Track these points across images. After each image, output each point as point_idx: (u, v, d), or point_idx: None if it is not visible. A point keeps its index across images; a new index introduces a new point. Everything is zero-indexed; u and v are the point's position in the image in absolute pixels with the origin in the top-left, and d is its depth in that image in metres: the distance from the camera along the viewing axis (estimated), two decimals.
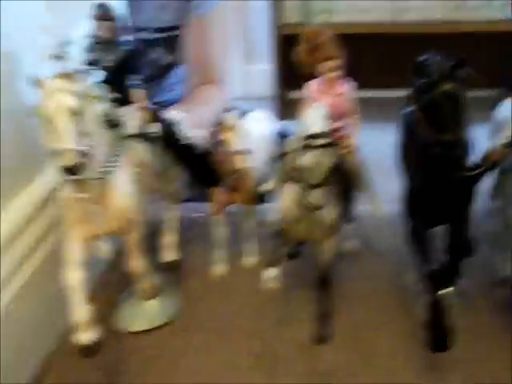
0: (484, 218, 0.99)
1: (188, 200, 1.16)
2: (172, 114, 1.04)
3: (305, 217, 0.88)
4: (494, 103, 1.02)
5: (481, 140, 0.96)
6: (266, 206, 1.21)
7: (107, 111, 0.88)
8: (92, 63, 0.91)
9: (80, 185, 0.81)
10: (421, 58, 0.81)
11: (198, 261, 1.14)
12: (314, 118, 0.82)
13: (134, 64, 0.93)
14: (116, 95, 0.90)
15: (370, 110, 2.51)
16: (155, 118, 0.95)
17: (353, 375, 0.91)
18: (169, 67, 1.56)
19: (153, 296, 1.02)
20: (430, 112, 0.79)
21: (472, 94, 0.81)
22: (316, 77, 0.90)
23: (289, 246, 1.08)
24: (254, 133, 1.08)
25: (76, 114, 0.77)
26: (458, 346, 0.89)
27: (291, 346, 0.96)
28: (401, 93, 0.88)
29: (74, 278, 0.86)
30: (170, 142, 0.99)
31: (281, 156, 0.93)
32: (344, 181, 0.92)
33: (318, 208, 0.81)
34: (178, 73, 1.58)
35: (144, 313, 1.02)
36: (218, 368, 0.93)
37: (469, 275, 1.03)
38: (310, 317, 0.99)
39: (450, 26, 2.50)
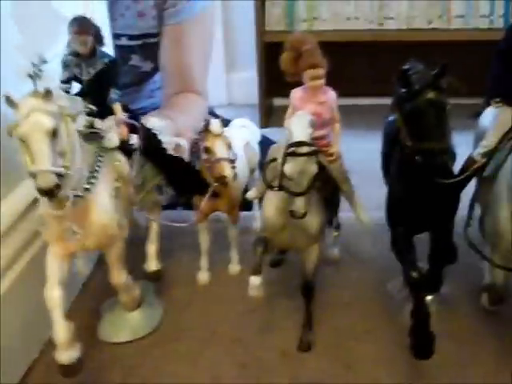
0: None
1: (171, 207, 1.15)
2: (152, 121, 1.03)
3: (288, 224, 0.88)
4: (478, 111, 1.03)
5: (464, 148, 0.97)
6: (250, 213, 1.22)
7: (86, 124, 0.87)
8: (70, 79, 0.90)
9: (59, 203, 0.80)
10: (403, 67, 0.82)
11: (182, 269, 1.14)
12: (297, 126, 0.82)
13: (113, 76, 0.92)
14: (94, 108, 0.89)
15: (353, 118, 2.54)
16: (134, 129, 0.94)
17: (336, 383, 0.91)
18: (147, 74, 1.56)
19: (135, 307, 1.02)
20: (412, 120, 0.80)
21: (455, 101, 0.82)
22: (300, 84, 0.90)
23: (272, 253, 1.08)
24: (238, 140, 1.08)
25: (52, 134, 0.75)
26: (442, 351, 0.89)
27: (275, 354, 0.96)
28: (385, 100, 0.88)
29: (53, 296, 0.85)
30: (151, 152, 0.98)
31: (264, 164, 0.93)
32: (328, 188, 0.92)
33: (301, 216, 0.81)
34: (157, 80, 1.58)
35: (127, 324, 1.01)
36: (201, 377, 0.93)
37: (452, 281, 1.04)
38: (294, 324, 0.99)
39: (433, 34, 2.53)
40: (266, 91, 2.66)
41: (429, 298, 0.98)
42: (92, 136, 0.89)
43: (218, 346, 0.98)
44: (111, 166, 0.92)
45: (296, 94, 0.91)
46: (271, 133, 1.47)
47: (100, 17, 1.16)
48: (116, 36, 1.42)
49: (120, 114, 0.92)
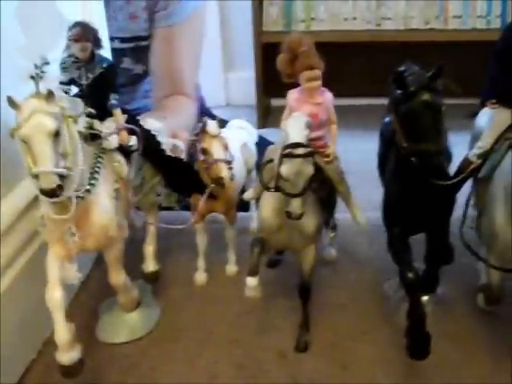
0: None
1: (169, 208, 1.16)
2: (150, 122, 1.03)
3: (285, 225, 0.88)
4: (474, 112, 1.03)
5: (460, 148, 0.98)
6: (247, 214, 1.22)
7: (86, 125, 0.87)
8: (69, 82, 0.90)
9: (63, 208, 0.80)
10: (399, 69, 0.82)
11: (179, 270, 1.14)
12: (294, 128, 0.82)
13: (111, 80, 0.92)
14: (94, 111, 0.89)
15: (351, 119, 2.54)
16: (133, 131, 0.94)
17: (333, 383, 0.91)
18: (139, 76, 1.56)
19: (134, 308, 1.02)
20: (408, 122, 0.80)
21: (451, 102, 0.82)
22: (298, 85, 0.91)
23: (269, 254, 1.08)
24: (235, 141, 1.08)
25: (54, 135, 0.75)
26: (438, 352, 0.89)
27: (272, 355, 0.96)
28: (382, 101, 0.89)
29: (54, 297, 0.86)
30: (150, 152, 0.98)
31: (261, 165, 0.93)
32: (324, 189, 0.92)
33: (298, 217, 0.81)
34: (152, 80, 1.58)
35: (125, 324, 1.02)
36: (198, 377, 0.93)
37: (448, 282, 1.05)
38: (291, 325, 1.00)
39: (430, 35, 2.53)
40: (263, 92, 2.66)
41: (425, 298, 0.98)
42: (91, 137, 0.90)
43: (215, 346, 0.98)
44: (111, 168, 0.92)
45: (292, 95, 0.91)
46: (269, 133, 1.47)
47: (98, 18, 1.17)
48: (109, 39, 1.42)
49: (121, 119, 0.92)
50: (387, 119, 0.94)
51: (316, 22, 2.60)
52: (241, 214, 1.14)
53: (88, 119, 0.89)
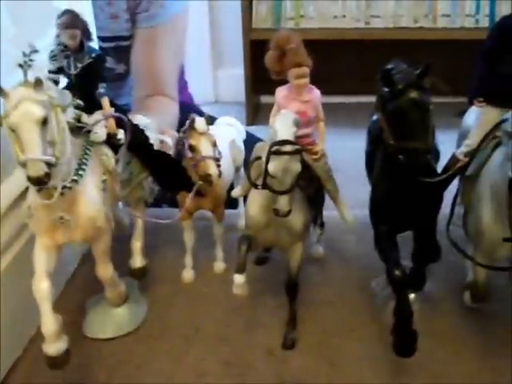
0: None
1: (157, 205, 1.15)
2: (139, 117, 1.03)
3: (272, 223, 0.88)
4: (462, 110, 1.04)
5: (448, 146, 0.98)
6: (235, 211, 1.22)
7: (75, 117, 0.87)
8: (58, 71, 0.90)
9: (47, 193, 0.80)
10: (386, 66, 0.82)
11: (167, 266, 1.14)
12: (281, 125, 0.82)
13: (100, 71, 0.92)
14: (82, 102, 0.89)
15: (340, 116, 2.55)
16: (121, 125, 0.94)
17: (320, 381, 0.91)
18: (121, 76, 1.55)
19: (121, 303, 1.02)
20: (395, 120, 0.80)
21: (440, 100, 0.82)
22: (286, 82, 0.90)
23: (257, 251, 1.08)
24: (223, 139, 1.08)
25: (42, 123, 0.75)
26: (425, 349, 0.90)
27: (259, 352, 0.96)
28: (372, 99, 0.89)
29: (41, 288, 0.85)
30: (138, 147, 0.98)
31: (249, 162, 0.93)
32: (312, 187, 0.92)
33: (285, 214, 0.81)
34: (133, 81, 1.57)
35: (112, 320, 1.01)
36: (185, 374, 0.93)
37: (435, 279, 1.05)
38: (279, 322, 1.00)
39: (419, 33, 2.53)
40: (252, 89, 2.66)
41: (412, 296, 0.98)
42: (79, 130, 0.89)
43: (202, 343, 0.98)
44: (98, 160, 0.92)
45: (280, 92, 0.91)
46: (258, 131, 1.47)
47: (87, 13, 1.16)
48: None
49: (108, 107, 0.92)
50: (375, 117, 0.94)
51: (305, 20, 2.60)
52: (229, 211, 1.14)
53: (76, 111, 0.89)
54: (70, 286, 1.10)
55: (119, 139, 0.93)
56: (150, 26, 1.48)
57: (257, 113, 2.73)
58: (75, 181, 0.84)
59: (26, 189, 0.88)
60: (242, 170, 1.14)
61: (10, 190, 0.93)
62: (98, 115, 0.91)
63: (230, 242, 1.08)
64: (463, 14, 2.52)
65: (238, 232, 1.13)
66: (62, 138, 0.79)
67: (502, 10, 2.42)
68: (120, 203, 1.10)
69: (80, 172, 0.85)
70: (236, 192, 1.02)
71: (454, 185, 0.95)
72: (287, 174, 0.80)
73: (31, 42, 0.78)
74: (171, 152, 1.06)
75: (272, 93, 0.92)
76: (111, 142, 0.93)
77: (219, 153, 1.01)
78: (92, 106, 0.91)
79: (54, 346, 0.85)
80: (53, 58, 0.89)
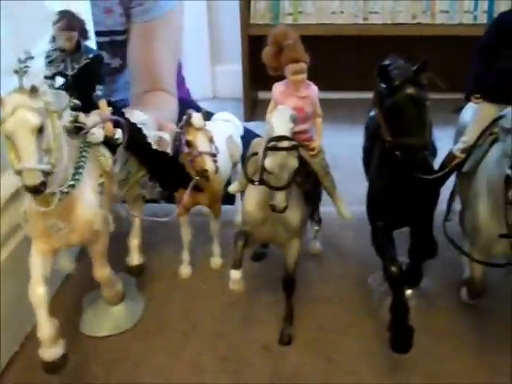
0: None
1: (154, 200, 1.15)
2: (136, 114, 1.03)
3: (269, 218, 0.88)
4: (460, 106, 1.04)
5: (445, 142, 0.98)
6: (232, 207, 1.22)
7: (71, 118, 0.87)
8: (55, 75, 0.89)
9: (44, 201, 0.79)
10: (383, 62, 0.82)
11: (164, 263, 1.14)
12: (278, 121, 0.82)
13: (97, 71, 0.91)
14: (79, 103, 0.88)
15: (338, 112, 2.54)
16: (118, 124, 0.93)
17: (317, 376, 0.91)
18: (116, 70, 1.55)
19: (118, 301, 1.01)
20: (392, 116, 0.80)
21: (438, 96, 0.82)
22: (284, 78, 0.90)
23: (254, 247, 1.08)
24: (220, 134, 1.08)
25: (38, 131, 0.74)
26: (421, 345, 0.90)
27: (256, 348, 0.96)
28: (370, 95, 0.88)
29: (38, 293, 0.85)
30: (135, 146, 0.98)
31: (246, 157, 0.93)
32: (309, 183, 0.92)
33: (282, 210, 0.81)
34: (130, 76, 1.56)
35: (109, 317, 1.01)
36: (182, 370, 0.93)
37: (432, 276, 1.05)
38: (276, 318, 1.00)
39: (417, 29, 2.54)
40: (250, 85, 2.66)
41: (408, 292, 0.99)
42: (76, 131, 0.89)
43: (199, 339, 0.98)
44: (96, 161, 0.91)
45: (278, 88, 0.91)
46: (256, 126, 1.47)
47: (84, 11, 1.15)
48: None
49: (106, 110, 0.91)
50: (372, 113, 0.94)
51: (303, 16, 2.60)
52: (226, 207, 1.13)
53: (73, 112, 0.88)
54: (67, 284, 1.09)
55: (117, 139, 0.93)
56: (145, 20, 1.47)
57: (254, 108, 2.73)
58: (72, 186, 0.83)
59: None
60: (239, 165, 1.14)
61: (10, 181, 0.92)
62: (95, 115, 0.91)
63: (227, 238, 1.08)
64: (461, 10, 2.52)
65: (234, 228, 1.13)
66: (58, 144, 0.78)
67: (501, 7, 2.42)
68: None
69: (77, 176, 0.84)
70: (233, 188, 1.01)
71: (451, 181, 0.95)
72: (284, 169, 0.80)
73: (26, 49, 0.77)
74: (169, 148, 1.06)
75: (270, 89, 0.92)
76: (109, 142, 0.93)
77: (216, 148, 1.00)
78: (89, 106, 0.90)
79: (51, 351, 0.85)
80: (49, 62, 0.88)
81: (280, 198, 0.81)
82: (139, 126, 0.99)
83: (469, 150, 0.90)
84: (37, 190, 0.74)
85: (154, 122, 1.08)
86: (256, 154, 0.87)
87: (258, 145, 0.89)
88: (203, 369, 0.93)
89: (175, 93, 1.52)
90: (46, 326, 0.84)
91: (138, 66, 1.49)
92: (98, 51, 0.94)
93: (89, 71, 0.90)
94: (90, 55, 0.90)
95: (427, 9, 2.53)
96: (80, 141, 0.89)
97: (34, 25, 0.97)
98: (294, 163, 0.80)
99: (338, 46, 2.65)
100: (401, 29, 2.54)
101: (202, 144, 0.97)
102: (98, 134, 0.90)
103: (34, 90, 0.75)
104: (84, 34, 0.90)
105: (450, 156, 0.93)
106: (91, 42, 0.94)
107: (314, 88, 0.91)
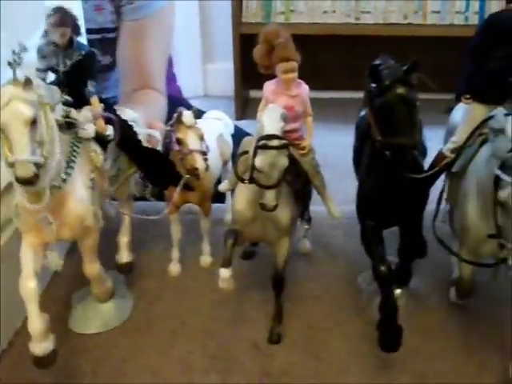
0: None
1: (144, 198, 1.15)
2: (127, 112, 1.03)
3: (259, 217, 0.88)
4: (451, 106, 1.04)
5: (435, 142, 0.98)
6: (222, 205, 1.22)
7: (63, 113, 0.86)
8: (48, 69, 0.89)
9: (36, 196, 0.79)
10: (374, 62, 0.82)
11: (153, 260, 1.14)
12: (269, 119, 0.82)
13: (89, 68, 0.91)
14: (71, 99, 0.88)
15: (330, 112, 2.54)
16: (109, 120, 0.93)
17: (306, 375, 0.91)
18: (107, 67, 1.54)
19: (107, 299, 1.01)
20: (382, 115, 0.80)
21: (429, 96, 0.82)
22: (276, 76, 0.90)
23: (244, 245, 1.08)
24: (210, 132, 1.07)
25: (31, 123, 0.74)
26: (410, 344, 0.90)
27: (245, 346, 0.96)
28: (360, 95, 0.89)
29: (28, 288, 0.85)
30: (126, 143, 0.97)
31: (237, 156, 0.93)
32: (299, 182, 0.92)
33: (272, 208, 0.81)
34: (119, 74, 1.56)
35: (98, 315, 1.01)
36: (171, 368, 0.93)
37: (421, 275, 1.05)
38: (265, 317, 1.00)
39: (409, 29, 2.54)
40: (242, 83, 2.66)
41: (398, 291, 0.99)
42: (68, 126, 0.88)
43: (188, 337, 0.98)
44: (87, 157, 0.91)
45: (269, 86, 0.91)
46: (247, 125, 1.47)
47: (75, 9, 1.15)
48: None
49: (97, 107, 0.91)
50: (362, 113, 0.94)
51: (295, 14, 2.60)
52: (216, 205, 1.13)
53: (65, 107, 0.88)
54: (57, 280, 1.09)
55: (108, 135, 0.93)
56: (136, 18, 1.47)
57: (246, 107, 2.73)
58: (63, 180, 0.83)
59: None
60: (230, 164, 1.14)
61: (3, 175, 0.92)
62: (86, 111, 0.90)
63: (217, 236, 1.08)
64: (453, 10, 2.53)
65: (224, 226, 1.13)
66: (50, 137, 0.78)
67: (492, 8, 2.43)
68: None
69: (68, 171, 0.84)
70: (223, 186, 1.01)
71: (441, 180, 0.96)
72: (274, 168, 0.80)
73: (21, 41, 0.77)
74: (159, 146, 1.06)
75: (261, 87, 0.92)
76: (100, 138, 0.93)
77: (206, 146, 1.00)
78: (81, 102, 0.90)
79: (41, 346, 0.85)
80: (42, 56, 0.88)
81: (270, 197, 0.81)
82: (130, 123, 0.99)
83: (458, 150, 0.91)
84: (29, 182, 0.74)
85: (144, 120, 1.08)
86: (246, 152, 0.87)
87: (248, 143, 0.89)
88: (192, 367, 0.93)
89: (164, 91, 1.52)
90: (36, 321, 0.84)
91: (127, 65, 1.49)
92: (90, 48, 0.94)
93: (81, 67, 0.90)
94: (83, 51, 0.90)
95: (419, 9, 2.53)
96: (71, 136, 0.89)
97: (27, 18, 0.97)
98: (284, 162, 0.81)
99: (329, 46, 2.65)
100: (392, 29, 2.55)
101: (192, 142, 0.97)
102: (89, 129, 0.90)
103: (28, 82, 0.75)
104: (76, 30, 0.90)
105: (440, 156, 0.93)
106: (82, 40, 0.93)
107: (305, 87, 0.91)
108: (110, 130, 0.93)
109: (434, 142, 0.98)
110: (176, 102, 1.47)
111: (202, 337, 0.98)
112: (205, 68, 2.98)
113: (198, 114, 1.01)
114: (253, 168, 0.81)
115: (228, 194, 1.21)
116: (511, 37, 0.86)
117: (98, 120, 0.91)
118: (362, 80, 0.85)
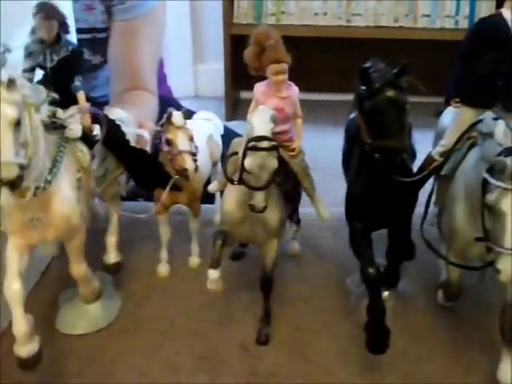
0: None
1: (132, 199, 1.15)
2: (116, 111, 1.02)
3: (248, 218, 0.88)
4: (440, 110, 1.05)
5: (425, 145, 0.99)
6: (211, 206, 1.22)
7: (49, 113, 0.86)
8: (33, 67, 0.88)
9: (20, 193, 0.79)
10: (364, 65, 0.82)
11: (141, 261, 1.14)
12: (259, 121, 0.82)
13: (77, 64, 0.91)
14: (57, 96, 0.87)
15: (320, 114, 2.55)
16: (97, 120, 0.93)
17: (294, 376, 0.92)
18: (97, 66, 1.54)
19: (94, 299, 1.01)
20: (372, 118, 0.80)
21: (419, 100, 0.82)
22: (266, 78, 0.90)
23: (233, 247, 1.08)
24: (200, 133, 1.07)
25: (15, 124, 0.73)
26: (397, 347, 0.90)
27: (233, 347, 0.96)
28: (351, 97, 0.89)
29: (13, 289, 0.84)
30: (113, 143, 0.97)
31: (226, 157, 0.93)
32: (288, 183, 0.92)
33: (261, 210, 0.81)
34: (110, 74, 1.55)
35: (85, 315, 1.01)
36: (159, 369, 0.93)
37: (409, 278, 1.06)
38: (253, 318, 1.00)
39: (399, 33, 2.55)
40: (232, 84, 2.66)
41: (386, 293, 0.99)
42: (54, 126, 0.88)
43: (176, 338, 0.98)
44: (73, 157, 0.91)
45: (259, 88, 0.91)
46: (237, 126, 1.47)
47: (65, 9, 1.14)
48: None
49: (84, 102, 0.91)
50: (352, 115, 0.94)
51: (286, 16, 2.60)
52: (205, 206, 1.13)
53: (51, 107, 0.87)
54: (44, 280, 1.09)
55: (94, 135, 0.92)
56: (127, 19, 1.47)
57: (236, 108, 2.73)
58: (48, 181, 0.83)
59: None
60: (219, 165, 1.14)
61: None
62: (73, 111, 0.90)
63: (206, 237, 1.07)
64: (443, 14, 2.54)
65: (213, 227, 1.13)
66: (34, 137, 0.78)
67: (482, 12, 2.44)
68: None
69: (54, 170, 0.84)
70: (212, 187, 1.01)
71: (430, 183, 0.96)
72: (263, 170, 0.80)
73: (4, 42, 0.77)
74: (148, 146, 1.05)
75: (252, 88, 0.92)
76: (86, 138, 0.92)
77: (196, 147, 1.00)
78: (68, 100, 0.89)
79: (25, 348, 0.84)
80: (28, 54, 0.88)
81: (259, 198, 0.81)
82: (118, 122, 0.99)
83: (447, 154, 0.91)
84: (13, 184, 0.73)
85: (134, 120, 1.08)
86: (236, 153, 0.87)
87: (238, 144, 0.89)
88: (180, 368, 0.93)
89: (156, 92, 1.52)
90: (21, 323, 0.84)
91: (118, 65, 1.48)
92: (77, 44, 0.93)
93: (69, 64, 0.89)
94: (70, 47, 0.89)
95: (410, 12, 2.54)
96: (58, 136, 0.89)
97: (13, 17, 0.96)
98: (273, 163, 0.81)
99: (319, 48, 2.66)
100: (383, 32, 2.55)
101: (182, 143, 0.97)
102: (75, 129, 0.90)
103: (11, 83, 0.74)
104: (64, 28, 0.89)
105: (429, 159, 0.94)
106: (72, 39, 0.93)
107: (295, 89, 0.91)
108: (96, 130, 0.93)
109: (424, 144, 0.98)
110: (166, 102, 1.46)
111: (191, 337, 0.98)
112: (195, 68, 2.98)
113: (188, 115, 1.01)
114: (242, 169, 0.81)
115: (217, 195, 1.20)
116: (500, 41, 0.87)
117: (85, 115, 0.91)
118: (352, 82, 0.85)
